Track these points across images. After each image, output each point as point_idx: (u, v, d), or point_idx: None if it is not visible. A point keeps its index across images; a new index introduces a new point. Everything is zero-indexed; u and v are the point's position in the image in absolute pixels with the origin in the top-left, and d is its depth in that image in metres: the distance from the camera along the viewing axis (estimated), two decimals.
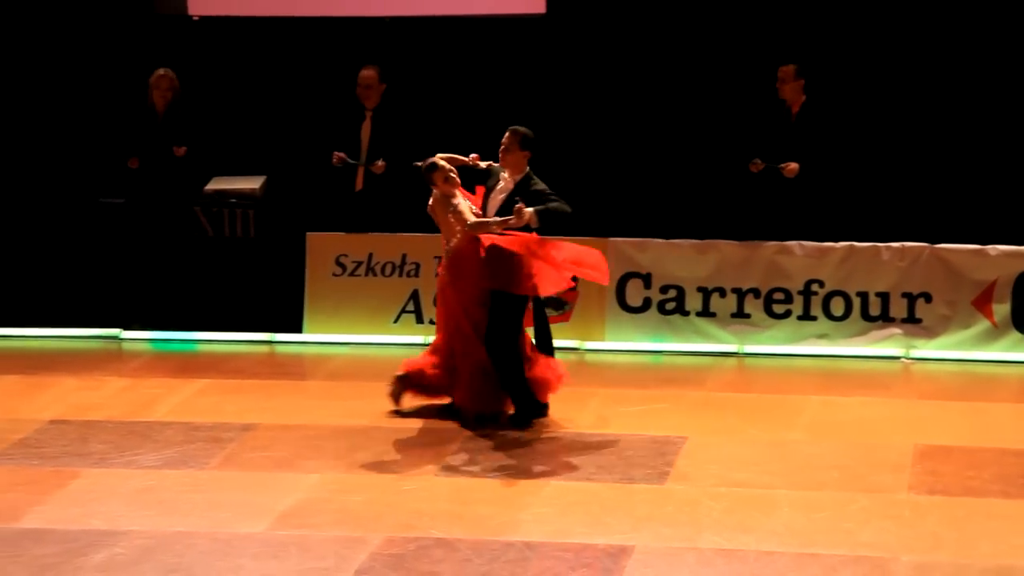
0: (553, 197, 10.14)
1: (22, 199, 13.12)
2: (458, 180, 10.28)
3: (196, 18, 13.58)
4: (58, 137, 13.56)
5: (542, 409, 10.33)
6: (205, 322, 12.54)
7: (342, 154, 12.49)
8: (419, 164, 10.38)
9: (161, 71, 12.82)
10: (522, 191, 10.17)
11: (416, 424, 10.27)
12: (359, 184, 12.66)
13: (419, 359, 10.44)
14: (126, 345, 12.58)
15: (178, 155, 12.63)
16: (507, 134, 10.30)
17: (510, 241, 10.06)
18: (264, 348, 12.42)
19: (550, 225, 10.10)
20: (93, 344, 12.54)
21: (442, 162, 10.31)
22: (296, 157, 13.23)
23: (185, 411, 10.51)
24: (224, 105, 13.38)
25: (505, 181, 10.26)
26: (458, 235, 10.20)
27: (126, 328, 12.64)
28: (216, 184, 12.81)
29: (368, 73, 12.65)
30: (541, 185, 10.22)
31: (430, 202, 10.40)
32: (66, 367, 11.68)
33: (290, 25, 13.53)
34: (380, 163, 12.53)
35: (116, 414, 10.46)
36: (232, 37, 13.62)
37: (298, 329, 12.50)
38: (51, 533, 8.27)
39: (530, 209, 9.99)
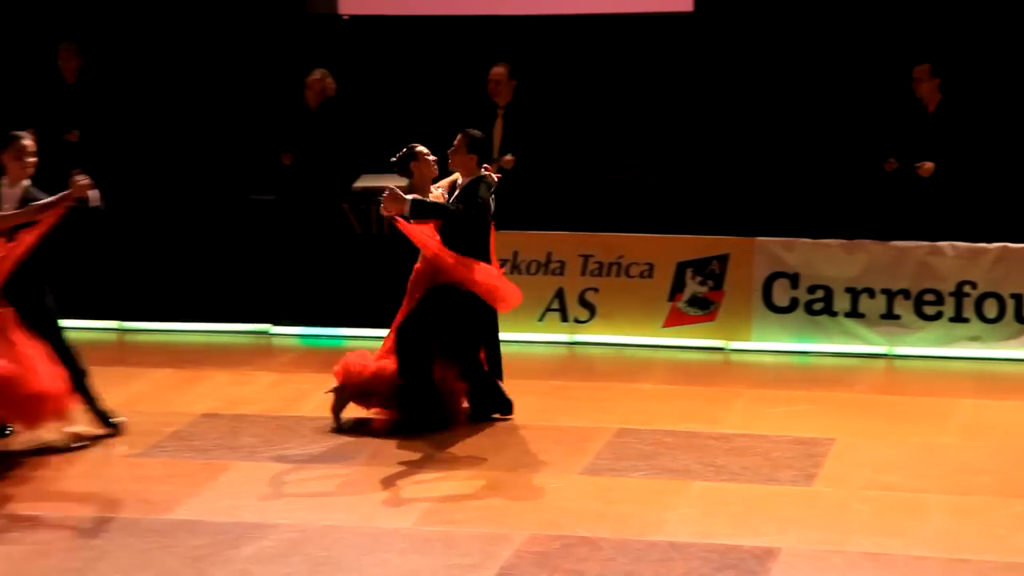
0: (466, 206, 9.85)
1: (176, 196, 13.33)
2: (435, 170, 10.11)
3: (346, 17, 13.71)
4: (211, 135, 13.76)
5: (434, 421, 9.97)
6: (352, 318, 12.65)
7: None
8: (393, 160, 10.17)
9: (319, 72, 12.95)
10: (467, 194, 9.92)
11: (561, 422, 10.28)
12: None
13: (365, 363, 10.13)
14: (276, 340, 12.73)
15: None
16: (458, 135, 10.12)
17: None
18: None
19: (423, 216, 9.79)
20: (244, 339, 12.71)
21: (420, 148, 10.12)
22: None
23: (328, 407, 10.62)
24: (372, 102, 13.49)
25: (458, 185, 10.11)
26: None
27: (276, 324, 12.80)
28: (364, 182, 12.92)
29: (498, 70, 12.73)
30: (482, 193, 9.91)
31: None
32: (218, 362, 11.85)
33: (434, 23, 13.61)
34: (508, 157, 12.59)
35: (266, 408, 10.59)
36: (381, 35, 13.73)
37: None
38: (203, 524, 8.40)
39: (410, 197, 9.72)
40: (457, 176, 10.15)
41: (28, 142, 9.60)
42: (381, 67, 13.72)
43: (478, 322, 10.14)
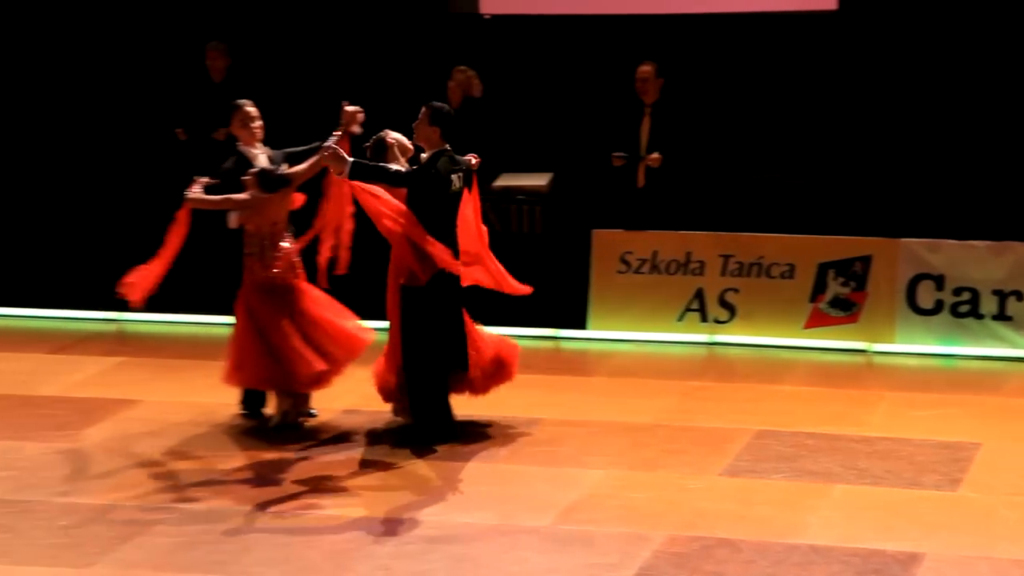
0: (399, 168, 9.59)
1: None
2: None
3: (488, 16, 13.75)
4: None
5: (447, 432, 9.77)
6: (492, 317, 12.66)
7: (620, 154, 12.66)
8: (368, 145, 9.96)
9: (462, 69, 13.01)
10: (422, 165, 9.60)
11: (700, 423, 10.23)
12: (640, 181, 12.69)
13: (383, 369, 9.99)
14: None
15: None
16: (422, 108, 9.77)
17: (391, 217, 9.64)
18: (549, 344, 12.51)
19: (364, 177, 9.54)
20: None
21: (392, 136, 9.92)
22: (582, 154, 13.29)
23: (470, 404, 10.63)
24: (513, 102, 13.52)
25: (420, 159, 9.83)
26: None
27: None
28: (504, 180, 12.95)
29: (646, 68, 12.70)
30: (440, 166, 9.55)
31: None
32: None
33: (576, 22, 13.60)
34: (655, 155, 12.55)
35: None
36: (522, 35, 13.75)
37: (582, 325, 12.56)
38: (344, 520, 8.47)
39: (350, 159, 9.43)
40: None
41: (251, 108, 10.23)
42: (522, 66, 13.73)
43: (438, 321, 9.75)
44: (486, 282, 10.05)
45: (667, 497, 8.81)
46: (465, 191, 9.80)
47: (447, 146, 9.69)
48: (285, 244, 10.00)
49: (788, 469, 9.27)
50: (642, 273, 12.52)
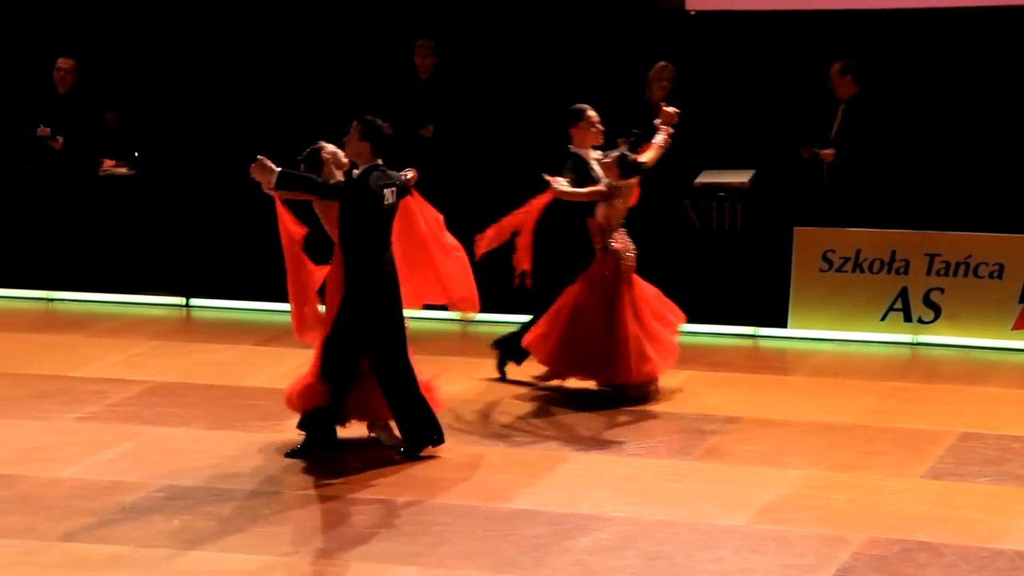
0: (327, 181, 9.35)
1: (517, 191, 13.46)
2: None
3: (693, 12, 13.69)
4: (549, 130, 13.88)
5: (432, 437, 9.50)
6: (694, 314, 12.62)
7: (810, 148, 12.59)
8: (300, 158, 9.62)
9: (662, 63, 12.99)
10: (358, 179, 9.35)
11: (901, 424, 10.07)
12: (824, 177, 12.61)
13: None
14: None
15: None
16: (353, 123, 9.53)
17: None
18: (748, 342, 12.42)
19: (290, 187, 9.27)
20: None
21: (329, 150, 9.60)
22: (783, 151, 13.16)
23: (670, 401, 10.62)
24: (716, 98, 13.44)
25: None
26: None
27: None
28: (706, 177, 12.88)
29: (837, 65, 12.61)
30: (371, 181, 9.28)
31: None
32: None
33: (780, 19, 13.47)
34: (828, 151, 12.48)
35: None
36: (726, 31, 13.67)
37: (783, 324, 12.44)
38: (540, 515, 8.51)
39: (276, 169, 9.18)
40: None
41: (593, 112, 10.72)
42: (725, 62, 13.64)
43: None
44: (424, 300, 10.00)
45: (866, 499, 8.69)
46: (412, 204, 9.69)
47: (379, 161, 9.42)
48: (623, 235, 10.51)
49: (993, 473, 9.08)
50: (844, 272, 12.35)
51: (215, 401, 10.52)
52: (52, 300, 13.22)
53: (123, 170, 13.64)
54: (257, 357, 11.66)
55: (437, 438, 9.47)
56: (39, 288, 13.26)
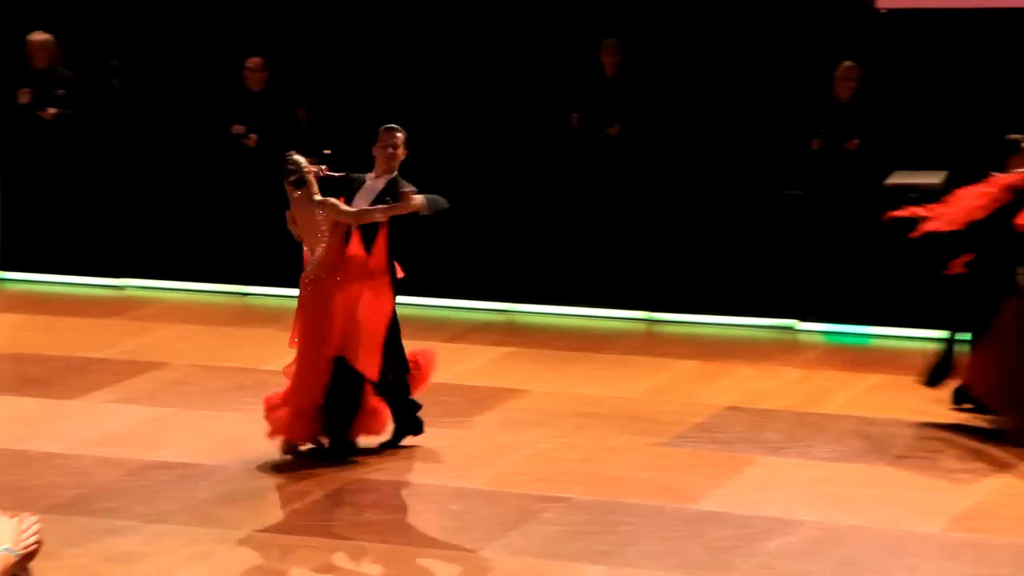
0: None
1: (706, 190, 13.40)
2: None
3: (883, 11, 13.51)
4: (741, 128, 13.80)
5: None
6: (879, 316, 12.46)
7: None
8: (281, 165, 9.57)
9: (848, 63, 12.84)
10: (391, 191, 9.34)
11: None
12: None
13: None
14: (801, 336, 12.63)
15: (850, 149, 12.65)
16: (398, 134, 9.52)
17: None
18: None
19: (437, 217, 9.34)
20: (769, 334, 12.66)
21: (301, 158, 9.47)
22: (976, 151, 12.90)
23: (859, 405, 10.48)
24: (908, 98, 13.24)
25: (372, 182, 9.48)
26: (325, 237, 9.33)
27: (802, 319, 12.72)
28: (897, 178, 12.68)
29: None
30: (410, 186, 9.35)
31: (290, 210, 9.50)
32: (743, 355, 11.85)
33: (974, 16, 13.22)
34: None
35: (790, 404, 10.55)
36: (917, 29, 13.45)
37: None
38: (727, 517, 8.46)
39: (420, 196, 9.21)
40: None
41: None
42: (916, 61, 13.43)
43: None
44: None
45: None
46: None
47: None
48: None
49: None
50: None
51: None
52: (246, 295, 13.45)
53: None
54: (444, 353, 11.54)
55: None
56: (234, 283, 13.50)
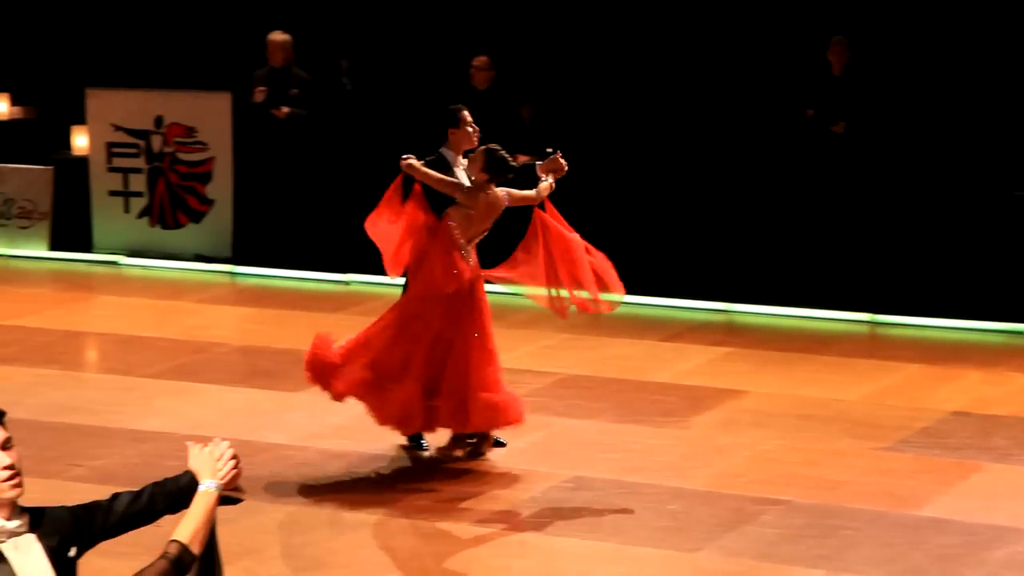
0: None
1: (936, 190, 13.15)
2: None
3: None
4: (972, 130, 13.50)
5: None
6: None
7: None
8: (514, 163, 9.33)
9: None
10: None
11: None
12: None
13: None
14: None
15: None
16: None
17: None
18: None
19: None
20: (1000, 338, 12.31)
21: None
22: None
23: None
24: None
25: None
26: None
27: None
28: None
29: None
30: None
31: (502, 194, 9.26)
32: (971, 359, 11.53)
33: None
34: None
35: (1021, 410, 10.27)
36: None
37: None
38: (951, 524, 8.27)
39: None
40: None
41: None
42: None
43: None
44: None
45: None
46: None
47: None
48: None
49: None
50: None
51: (621, 395, 10.60)
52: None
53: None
54: (663, 353, 11.70)
55: None
56: None
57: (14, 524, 4.58)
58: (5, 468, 4.56)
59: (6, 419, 4.64)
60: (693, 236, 13.15)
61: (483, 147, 9.29)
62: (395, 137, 14.36)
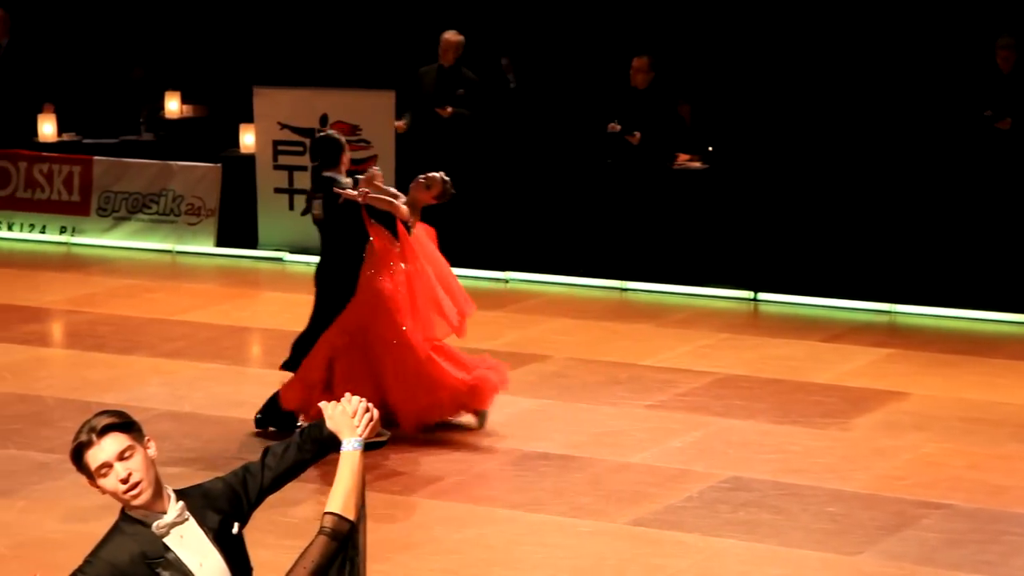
0: None
1: None
2: None
3: None
4: None
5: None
6: None
7: None
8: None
9: None
10: None
11: None
12: None
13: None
14: None
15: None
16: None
17: None
18: None
19: None
20: None
21: None
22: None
23: None
24: None
25: None
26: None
27: None
28: None
29: None
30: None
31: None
32: None
33: None
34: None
35: None
36: None
37: None
38: None
39: None
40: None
41: None
42: None
43: None
44: None
45: None
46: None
47: None
48: None
49: None
50: None
51: (781, 395, 10.52)
52: (625, 290, 13.56)
53: (696, 164, 13.86)
54: (823, 353, 11.59)
55: None
56: (614, 278, 13.62)
57: (174, 514, 4.58)
58: (122, 481, 4.53)
59: (138, 424, 4.59)
60: (857, 235, 13.00)
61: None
62: (555, 137, 14.46)
